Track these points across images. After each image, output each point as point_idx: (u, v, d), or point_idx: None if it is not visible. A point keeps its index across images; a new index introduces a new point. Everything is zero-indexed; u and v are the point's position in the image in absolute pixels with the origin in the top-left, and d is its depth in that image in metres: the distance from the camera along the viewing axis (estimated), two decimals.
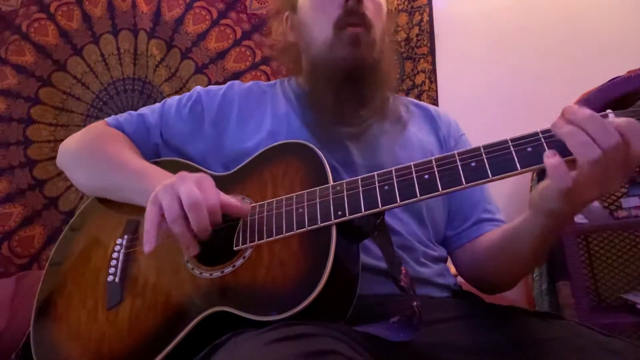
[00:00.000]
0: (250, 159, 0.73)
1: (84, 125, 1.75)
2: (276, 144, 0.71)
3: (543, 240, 0.61)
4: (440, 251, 0.80)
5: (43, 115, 1.69)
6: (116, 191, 0.75)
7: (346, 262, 0.58)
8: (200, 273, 0.63)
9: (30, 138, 1.68)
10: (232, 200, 0.62)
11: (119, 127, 0.85)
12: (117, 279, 0.68)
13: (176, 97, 0.87)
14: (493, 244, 0.74)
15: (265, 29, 1.73)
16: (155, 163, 0.78)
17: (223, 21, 1.75)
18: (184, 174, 0.62)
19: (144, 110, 0.87)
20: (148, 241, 0.58)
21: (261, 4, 1.76)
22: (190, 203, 0.57)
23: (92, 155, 0.80)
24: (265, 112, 0.82)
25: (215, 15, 1.75)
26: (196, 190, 0.58)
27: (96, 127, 0.86)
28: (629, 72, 1.28)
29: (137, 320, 0.64)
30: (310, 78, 0.81)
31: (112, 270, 0.70)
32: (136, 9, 1.72)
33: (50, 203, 1.66)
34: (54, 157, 1.73)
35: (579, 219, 1.35)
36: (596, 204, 1.42)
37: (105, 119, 0.87)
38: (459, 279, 0.83)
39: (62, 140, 1.67)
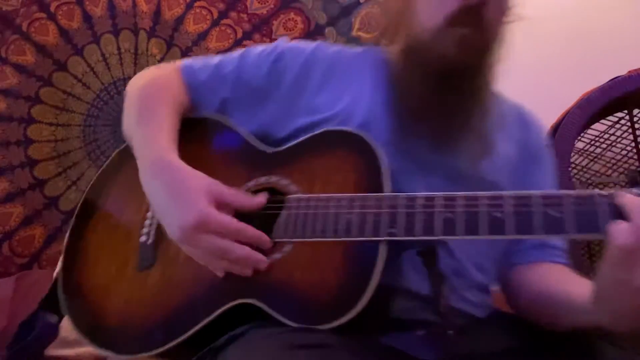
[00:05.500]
0: (305, 138, 0.66)
1: (85, 126, 1.77)
2: (338, 129, 0.65)
3: (589, 325, 0.54)
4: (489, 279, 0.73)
5: (43, 115, 1.69)
6: (130, 136, 0.72)
7: (388, 278, 0.54)
8: None
9: (31, 138, 1.68)
10: (245, 203, 0.60)
11: (191, 74, 0.77)
12: (150, 242, 0.66)
13: (256, 49, 0.78)
14: (542, 289, 0.65)
15: None
16: (194, 120, 0.74)
17: (224, 21, 1.75)
18: (173, 215, 0.58)
19: (220, 59, 0.79)
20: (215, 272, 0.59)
21: (262, 3, 1.75)
22: (221, 253, 0.56)
23: (136, 102, 0.74)
24: (349, 84, 0.73)
25: (215, 15, 1.75)
26: (214, 240, 0.56)
27: (164, 74, 0.78)
28: (629, 71, 1.28)
29: (165, 292, 0.62)
30: (404, 60, 0.69)
31: (145, 230, 0.68)
32: (136, 9, 1.72)
33: (51, 203, 1.66)
34: (55, 157, 1.75)
35: None
36: None
37: (179, 65, 0.79)
38: None
39: (62, 140, 1.70)
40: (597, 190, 0.46)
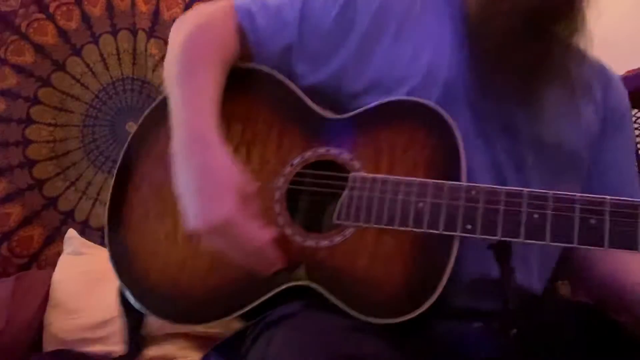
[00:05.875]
0: (372, 106, 0.59)
1: (83, 126, 1.76)
2: (412, 99, 0.57)
3: None
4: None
5: (42, 116, 1.69)
6: (170, 95, 0.64)
7: (459, 275, 0.50)
8: (293, 234, 0.56)
9: (30, 138, 1.67)
10: (265, 237, 0.54)
11: (249, 17, 0.67)
12: None
13: None
14: (615, 277, 0.61)
15: None
16: (247, 71, 0.66)
17: None
18: (200, 205, 0.54)
19: (280, 1, 0.69)
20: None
21: None
22: (244, 255, 0.54)
23: (180, 55, 0.65)
24: (428, 35, 0.65)
25: None
26: (239, 243, 0.53)
27: (216, 17, 0.68)
28: (627, 72, 1.28)
29: (219, 263, 0.58)
30: (483, 8, 0.61)
31: None
32: (135, 9, 1.72)
33: (50, 203, 1.65)
34: (53, 157, 1.75)
35: None
36: None
37: (234, 3, 0.68)
38: None
39: (61, 140, 1.70)
40: None
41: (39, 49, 1.69)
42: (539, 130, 0.61)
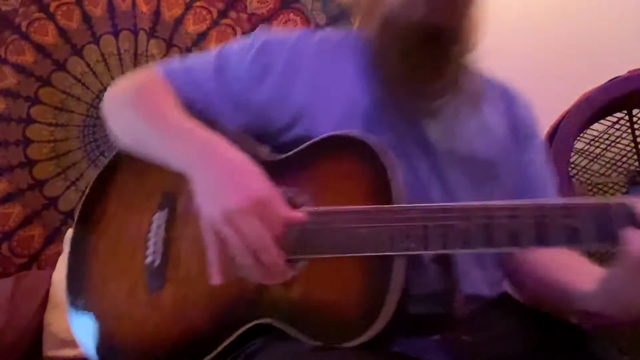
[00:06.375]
0: (309, 143, 0.64)
1: (84, 126, 1.77)
2: (342, 133, 0.62)
3: (589, 312, 0.56)
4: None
5: (43, 115, 1.69)
6: (149, 150, 0.66)
7: (408, 291, 0.53)
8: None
9: (30, 138, 1.67)
10: (299, 216, 0.56)
11: (173, 75, 0.73)
12: (157, 263, 0.64)
13: (234, 45, 0.74)
14: (546, 274, 0.66)
15: None
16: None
17: (223, 21, 1.75)
18: (236, 186, 0.54)
19: (197, 60, 0.75)
20: (215, 274, 0.54)
21: (261, 3, 1.75)
22: (258, 248, 0.52)
23: (136, 107, 0.70)
24: (337, 75, 0.71)
25: (215, 15, 1.75)
26: (263, 231, 0.52)
27: (145, 74, 0.75)
28: (629, 72, 1.28)
29: (182, 312, 0.61)
30: (380, 38, 0.69)
31: (150, 250, 0.65)
32: (136, 9, 1.72)
33: (50, 203, 1.66)
34: (54, 157, 1.75)
35: None
36: None
37: (158, 68, 0.74)
38: None
39: (61, 140, 1.70)
40: (612, 199, 0.48)
41: (39, 48, 1.69)
42: (452, 144, 0.67)
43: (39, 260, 1.61)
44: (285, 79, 0.70)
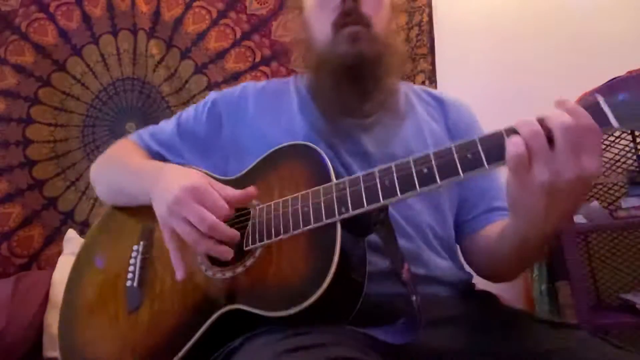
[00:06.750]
0: (256, 161, 0.75)
1: (84, 126, 1.77)
2: (281, 146, 0.73)
3: (521, 244, 0.61)
4: (453, 241, 0.82)
5: (42, 115, 1.69)
6: (125, 194, 0.79)
7: (353, 257, 0.60)
8: (214, 274, 0.65)
9: (30, 138, 1.68)
10: (236, 193, 0.63)
11: (143, 140, 0.88)
12: (135, 284, 0.72)
13: (191, 108, 0.90)
14: (489, 240, 0.75)
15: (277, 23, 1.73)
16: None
17: (223, 21, 1.75)
18: (173, 184, 0.63)
19: (160, 125, 0.91)
20: (177, 269, 0.62)
21: (261, 4, 1.75)
22: (206, 227, 0.59)
23: (109, 164, 0.85)
24: (280, 109, 0.84)
25: (214, 15, 1.75)
26: (203, 211, 0.59)
27: (118, 142, 0.90)
28: (629, 72, 1.28)
29: (156, 323, 0.67)
30: (315, 74, 0.83)
31: (130, 275, 0.73)
32: (135, 9, 1.72)
33: (50, 203, 1.66)
34: (53, 157, 1.75)
35: (579, 219, 1.35)
36: (596, 203, 1.42)
37: (128, 137, 0.91)
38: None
39: (61, 140, 1.70)
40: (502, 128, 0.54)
41: (39, 48, 1.69)
42: (388, 149, 0.77)
43: (39, 261, 1.61)
44: (235, 120, 0.84)
